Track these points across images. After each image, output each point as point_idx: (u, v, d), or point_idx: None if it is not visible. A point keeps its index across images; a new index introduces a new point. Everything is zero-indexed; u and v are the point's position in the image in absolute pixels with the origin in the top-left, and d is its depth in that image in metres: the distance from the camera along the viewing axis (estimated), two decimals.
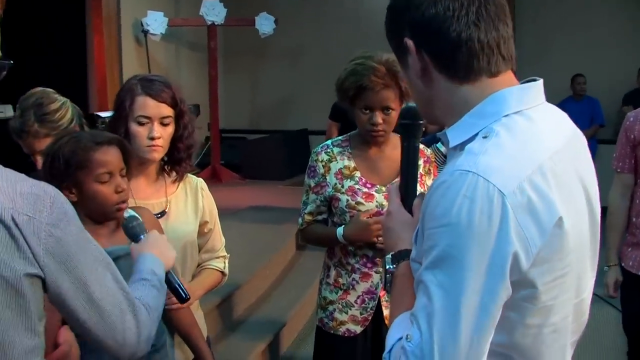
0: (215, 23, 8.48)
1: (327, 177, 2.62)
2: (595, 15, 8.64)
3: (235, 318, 4.51)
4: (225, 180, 8.63)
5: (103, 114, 4.08)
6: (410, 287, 1.25)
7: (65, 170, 1.90)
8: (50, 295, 1.35)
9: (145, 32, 8.07)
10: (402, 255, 1.37)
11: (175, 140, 2.32)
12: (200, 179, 2.50)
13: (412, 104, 1.47)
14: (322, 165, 2.63)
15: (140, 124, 2.24)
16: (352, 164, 2.63)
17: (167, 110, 2.26)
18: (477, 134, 1.21)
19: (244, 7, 9.01)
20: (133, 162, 2.14)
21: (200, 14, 8.42)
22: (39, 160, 2.39)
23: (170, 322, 2.19)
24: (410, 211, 1.45)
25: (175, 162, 2.36)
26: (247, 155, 9.09)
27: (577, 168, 1.27)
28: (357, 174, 2.61)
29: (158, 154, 2.28)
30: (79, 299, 1.36)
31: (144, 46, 8.19)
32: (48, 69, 7.25)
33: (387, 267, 1.40)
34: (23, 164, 2.49)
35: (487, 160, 1.14)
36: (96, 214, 1.96)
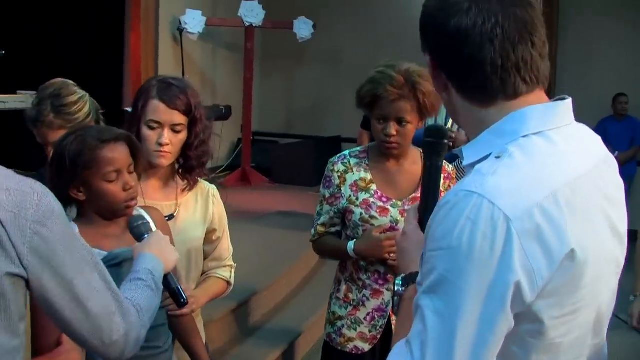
0: (253, 25, 8.45)
1: (342, 189, 2.55)
2: None
3: (251, 324, 4.46)
4: (255, 184, 8.59)
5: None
6: None
7: (72, 170, 1.89)
8: (35, 295, 1.32)
9: (181, 31, 8.08)
10: (412, 278, 1.32)
11: (185, 147, 2.28)
12: (213, 186, 2.46)
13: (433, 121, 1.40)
14: (338, 176, 2.56)
15: (151, 128, 2.21)
16: (369, 176, 2.55)
17: (179, 118, 2.23)
18: (491, 154, 1.14)
19: (283, 10, 8.98)
20: (145, 164, 2.13)
21: (239, 14, 8.40)
22: (50, 152, 2.37)
23: (171, 328, 2.16)
24: None
25: (186, 170, 2.33)
26: (279, 159, 9.05)
27: (603, 195, 1.18)
28: (373, 186, 2.53)
29: (166, 160, 2.25)
30: (65, 298, 1.34)
31: (180, 44, 8.19)
32: (85, 62, 7.30)
33: (396, 289, 1.35)
34: (42, 154, 2.49)
35: (496, 182, 1.07)
36: (105, 211, 1.95)
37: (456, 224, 1.05)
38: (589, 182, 1.16)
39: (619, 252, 1.23)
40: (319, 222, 2.62)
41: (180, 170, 2.34)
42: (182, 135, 2.25)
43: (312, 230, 2.65)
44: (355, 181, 2.54)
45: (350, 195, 2.53)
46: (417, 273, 1.28)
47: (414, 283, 1.28)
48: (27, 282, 1.29)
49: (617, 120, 8.01)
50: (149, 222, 1.93)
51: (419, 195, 2.48)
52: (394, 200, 2.52)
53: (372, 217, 2.49)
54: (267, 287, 4.70)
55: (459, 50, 1.14)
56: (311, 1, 9.44)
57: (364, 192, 2.52)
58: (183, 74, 7.89)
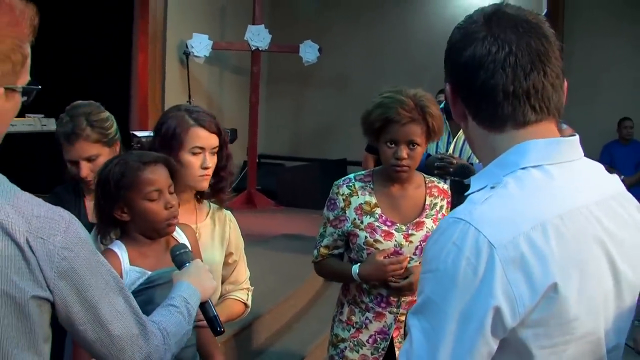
0: (260, 48, 8.53)
1: (347, 212, 2.57)
2: None
3: (255, 347, 4.44)
4: (260, 206, 8.61)
5: (139, 133, 4.09)
6: None
7: (116, 192, 1.99)
8: (60, 317, 1.39)
9: (187, 54, 8.14)
10: None
11: (218, 169, 2.36)
12: (229, 212, 2.52)
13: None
14: (343, 199, 2.59)
15: (194, 154, 2.27)
16: (374, 200, 2.57)
17: (216, 140, 2.32)
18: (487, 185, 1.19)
19: (289, 33, 9.06)
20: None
21: (245, 38, 8.48)
22: (84, 167, 2.51)
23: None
24: None
25: (218, 190, 2.40)
26: (284, 182, 9.08)
27: (604, 231, 1.18)
28: (378, 210, 2.56)
29: (207, 183, 2.33)
30: (89, 321, 1.40)
31: (187, 67, 8.26)
32: (92, 84, 7.35)
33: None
34: (60, 175, 2.54)
35: (484, 210, 1.12)
36: (148, 230, 2.04)
37: (443, 248, 1.10)
38: (587, 215, 1.17)
39: (624, 289, 1.21)
40: (322, 244, 2.65)
41: (210, 191, 2.40)
42: (216, 158, 2.33)
43: (315, 252, 2.68)
44: (360, 204, 2.57)
45: (354, 219, 2.56)
46: None
47: None
48: (53, 305, 1.36)
49: (623, 145, 8.01)
50: (190, 251, 2.00)
51: (423, 220, 2.52)
52: (398, 225, 2.54)
53: (376, 240, 2.51)
54: (271, 310, 4.70)
55: (474, 76, 1.19)
56: (317, 25, 9.55)
57: (368, 216, 2.55)
58: (189, 97, 7.95)
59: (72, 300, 1.36)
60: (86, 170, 2.51)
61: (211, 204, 2.46)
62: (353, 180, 2.62)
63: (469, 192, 1.22)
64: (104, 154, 2.52)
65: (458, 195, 1.52)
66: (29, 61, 1.37)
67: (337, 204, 2.59)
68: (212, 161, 2.30)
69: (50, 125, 6.09)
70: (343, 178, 2.66)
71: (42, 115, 6.02)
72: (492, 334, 1.07)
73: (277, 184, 9.10)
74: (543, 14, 8.90)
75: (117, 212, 2.00)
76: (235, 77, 9.54)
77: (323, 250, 2.65)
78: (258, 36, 8.44)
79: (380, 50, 9.63)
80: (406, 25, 9.56)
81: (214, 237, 2.41)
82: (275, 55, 9.50)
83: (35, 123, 6.13)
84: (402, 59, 9.34)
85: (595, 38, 8.60)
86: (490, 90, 1.18)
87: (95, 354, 1.46)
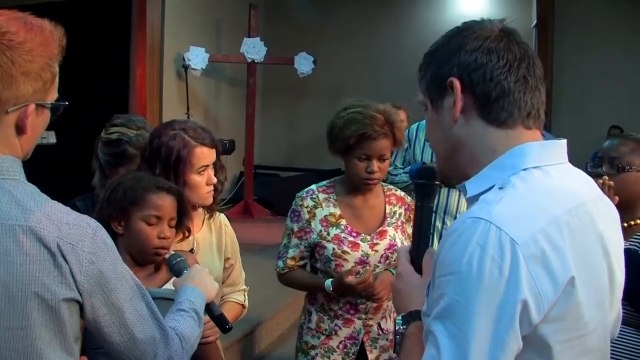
0: (255, 61, 8.62)
1: (312, 223, 2.60)
2: (635, 67, 8.58)
3: (256, 353, 4.51)
4: (257, 216, 8.68)
5: None
6: (419, 345, 1.23)
7: (120, 201, 2.00)
8: (87, 319, 1.44)
9: (186, 67, 8.21)
10: (412, 316, 1.35)
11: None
12: (223, 215, 2.53)
13: (428, 163, 1.39)
14: (307, 211, 2.61)
15: (200, 174, 2.27)
16: (338, 212, 2.61)
17: (214, 154, 2.31)
18: (493, 186, 1.20)
19: (284, 45, 9.15)
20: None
21: (241, 51, 8.57)
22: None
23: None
24: (420, 271, 1.42)
25: (213, 200, 2.39)
26: (280, 192, 9.12)
27: (599, 227, 1.24)
28: (343, 222, 2.59)
29: (212, 198, 2.33)
30: (114, 324, 1.46)
31: (184, 80, 8.34)
32: (91, 97, 7.40)
33: (397, 327, 1.37)
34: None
35: (501, 209, 1.12)
36: (136, 251, 2.04)
37: (465, 249, 1.09)
38: (588, 212, 1.21)
39: (616, 287, 1.26)
40: (288, 256, 2.64)
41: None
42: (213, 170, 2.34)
43: (280, 263, 2.67)
44: (325, 216, 2.60)
45: (321, 230, 2.58)
46: (417, 311, 1.33)
47: (415, 321, 1.33)
48: (81, 307, 1.42)
49: None
50: (186, 259, 2.00)
51: (386, 229, 2.59)
52: (363, 235, 2.57)
53: (344, 252, 2.55)
54: (272, 317, 4.76)
55: (498, 76, 1.22)
56: (312, 37, 9.63)
57: (334, 228, 2.58)
58: (188, 109, 8.02)
59: (99, 303, 1.42)
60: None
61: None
62: (316, 192, 2.64)
63: (469, 195, 1.24)
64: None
65: (422, 198, 1.49)
66: (57, 79, 1.45)
67: (302, 215, 2.60)
68: (213, 176, 2.31)
69: (50, 138, 6.11)
70: (306, 189, 2.67)
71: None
72: (520, 330, 1.07)
73: (273, 194, 9.15)
74: (533, 24, 8.99)
75: (114, 223, 2.00)
76: (231, 89, 9.62)
77: (290, 262, 2.64)
78: (254, 48, 8.54)
79: (374, 61, 9.72)
80: (399, 36, 9.66)
81: (212, 247, 2.42)
82: (271, 66, 9.56)
83: (47, 136, 6.16)
84: (396, 70, 9.42)
85: (585, 47, 8.69)
86: (514, 92, 1.22)
87: (118, 356, 1.52)
